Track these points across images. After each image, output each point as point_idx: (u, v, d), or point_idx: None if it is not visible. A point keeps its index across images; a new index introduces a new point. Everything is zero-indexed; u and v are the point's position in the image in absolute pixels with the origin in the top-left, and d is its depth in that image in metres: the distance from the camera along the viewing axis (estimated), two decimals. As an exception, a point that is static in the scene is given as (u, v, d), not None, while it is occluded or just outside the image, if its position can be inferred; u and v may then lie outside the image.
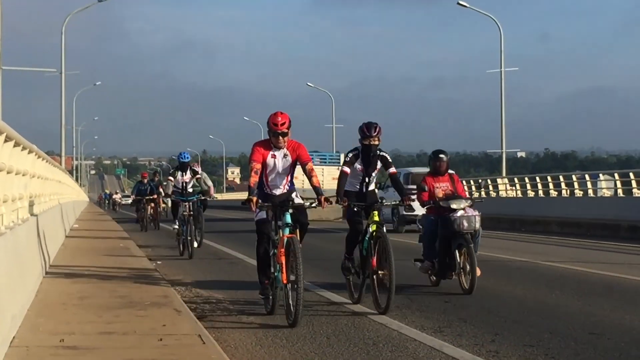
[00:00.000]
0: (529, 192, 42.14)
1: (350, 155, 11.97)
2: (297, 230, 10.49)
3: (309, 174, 10.71)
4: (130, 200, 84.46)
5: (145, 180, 35.79)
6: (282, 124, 10.48)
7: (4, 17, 22.05)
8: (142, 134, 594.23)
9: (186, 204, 20.26)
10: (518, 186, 44.08)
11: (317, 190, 10.67)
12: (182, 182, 20.82)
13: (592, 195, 38.58)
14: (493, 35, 48.98)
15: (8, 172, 10.34)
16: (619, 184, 36.67)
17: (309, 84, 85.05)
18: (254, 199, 10.37)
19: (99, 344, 7.94)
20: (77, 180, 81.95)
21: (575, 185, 39.71)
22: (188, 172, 20.94)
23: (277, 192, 10.87)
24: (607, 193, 39.49)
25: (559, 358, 8.08)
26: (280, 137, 10.53)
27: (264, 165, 10.67)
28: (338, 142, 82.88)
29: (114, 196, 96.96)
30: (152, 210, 34.93)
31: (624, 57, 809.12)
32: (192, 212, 20.12)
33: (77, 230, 29.74)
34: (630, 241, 25.16)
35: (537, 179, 42.73)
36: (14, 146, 10.96)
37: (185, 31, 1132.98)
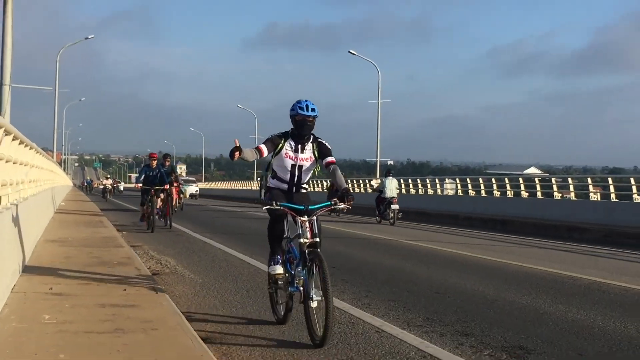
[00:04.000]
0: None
1: None
2: None
3: None
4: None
5: (154, 164, 19.94)
6: None
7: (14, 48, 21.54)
8: (114, 138, 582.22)
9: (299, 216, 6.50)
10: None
11: None
12: (295, 164, 6.80)
13: (440, 193, 39.25)
14: (374, 75, 49.34)
15: (14, 163, 10.11)
16: (459, 187, 37.83)
17: (239, 105, 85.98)
18: None
19: (79, 292, 7.82)
20: (64, 170, 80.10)
21: (429, 186, 40.32)
22: (308, 145, 6.77)
23: None
24: (451, 192, 40.48)
25: (413, 310, 8.19)
26: None
27: None
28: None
29: (105, 182, 62.29)
30: (161, 203, 20.15)
31: (466, 95, 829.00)
32: (315, 231, 6.42)
33: (63, 208, 29.10)
34: (467, 227, 25.64)
35: (401, 180, 43.16)
36: (19, 144, 10.73)
37: (149, 62, 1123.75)
